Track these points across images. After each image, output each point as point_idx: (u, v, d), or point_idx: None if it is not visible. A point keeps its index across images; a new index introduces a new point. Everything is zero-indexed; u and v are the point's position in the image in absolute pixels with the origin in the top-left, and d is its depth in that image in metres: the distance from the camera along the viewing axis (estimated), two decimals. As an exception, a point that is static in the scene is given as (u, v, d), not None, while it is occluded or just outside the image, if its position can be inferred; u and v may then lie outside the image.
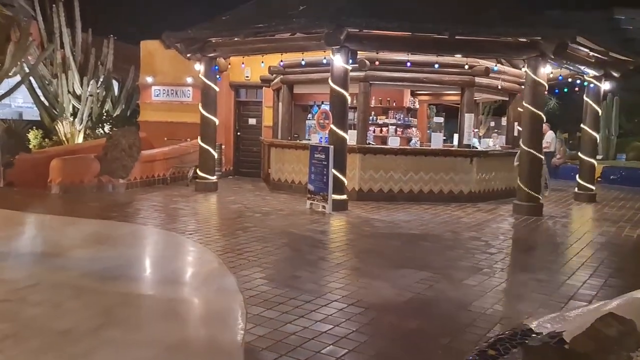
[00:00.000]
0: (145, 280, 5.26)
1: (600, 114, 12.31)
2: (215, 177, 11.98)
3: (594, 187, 12.31)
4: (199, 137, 11.84)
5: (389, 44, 9.68)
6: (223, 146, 14.13)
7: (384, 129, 13.48)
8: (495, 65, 11.22)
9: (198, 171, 11.87)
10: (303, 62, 11.13)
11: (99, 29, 16.48)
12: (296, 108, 13.51)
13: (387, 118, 13.63)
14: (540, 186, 9.96)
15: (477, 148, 11.80)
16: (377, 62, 10.48)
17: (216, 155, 12.14)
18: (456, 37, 9.25)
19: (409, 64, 10.38)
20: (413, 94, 14.80)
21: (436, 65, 10.37)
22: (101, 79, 16.10)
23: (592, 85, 12.05)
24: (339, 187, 9.50)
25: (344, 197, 9.65)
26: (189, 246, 6.67)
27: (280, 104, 13.50)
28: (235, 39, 10.93)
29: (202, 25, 11.23)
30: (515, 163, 10.41)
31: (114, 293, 4.55)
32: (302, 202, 10.10)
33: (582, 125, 12.43)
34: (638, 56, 11.63)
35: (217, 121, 11.83)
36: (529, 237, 7.87)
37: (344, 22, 9.07)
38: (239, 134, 15.36)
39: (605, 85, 12.23)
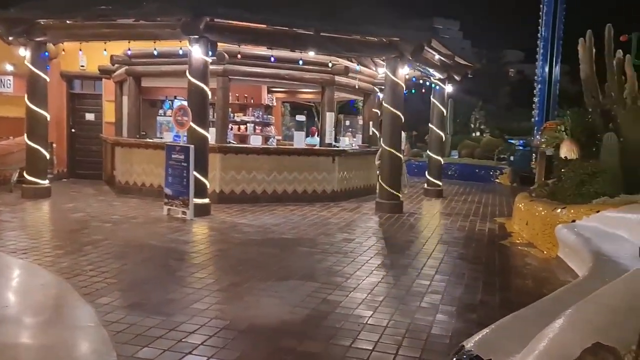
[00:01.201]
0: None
1: (445, 114, 13.15)
2: (47, 181, 10.27)
3: (441, 183, 13.14)
4: (25, 135, 10.04)
5: (252, 37, 9.11)
6: (54, 145, 12.24)
7: (242, 126, 12.87)
8: (357, 65, 11.31)
9: (25, 174, 10.07)
10: (155, 52, 10.03)
11: None
12: (144, 103, 12.25)
13: (245, 115, 13.04)
14: (401, 184, 10.24)
15: (338, 147, 11.81)
16: (239, 56, 9.84)
17: (47, 156, 10.42)
18: (321, 34, 9.04)
19: (273, 59, 9.93)
20: (270, 91, 14.41)
21: (300, 62, 10.08)
22: None
23: (437, 87, 12.83)
24: (200, 190, 8.69)
25: (207, 200, 8.88)
26: (23, 269, 5.41)
27: (125, 97, 12.12)
28: (72, 21, 9.44)
29: (29, 4, 9.50)
30: (377, 162, 10.58)
31: None
32: (157, 208, 9.08)
33: (429, 125, 13.19)
34: (477, 61, 12.65)
35: (48, 116, 10.13)
36: (398, 237, 7.93)
37: (203, 11, 8.29)
38: (73, 130, 13.51)
39: (448, 88, 13.12)
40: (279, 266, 5.81)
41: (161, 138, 11.52)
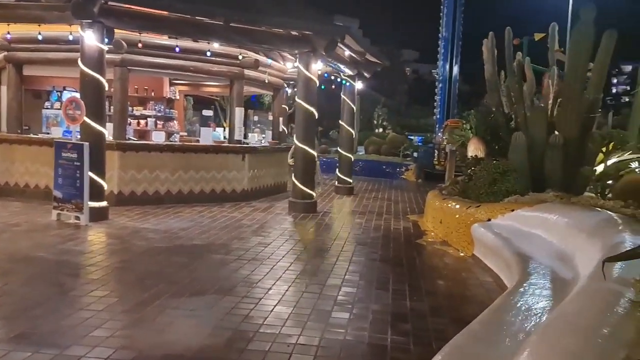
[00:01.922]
0: None
1: (355, 110, 13.09)
2: None
3: (352, 181, 13.08)
4: None
5: (154, 24, 8.33)
6: None
7: (143, 121, 11.91)
8: (269, 58, 10.85)
9: None
10: (40, 37, 8.87)
11: None
12: (27, 94, 10.91)
13: (145, 109, 12.07)
14: (315, 183, 9.98)
15: (248, 143, 11.30)
16: (140, 45, 8.98)
17: None
18: (231, 25, 8.49)
19: (177, 49, 9.19)
20: (172, 84, 13.50)
21: (208, 53, 9.43)
22: None
23: (348, 83, 12.73)
24: (97, 192, 7.83)
25: (104, 203, 8.01)
26: None
27: (3, 87, 10.69)
28: None
29: None
30: (290, 160, 10.23)
31: None
32: (45, 212, 8.06)
33: (340, 122, 13.07)
34: (387, 59, 12.72)
35: None
36: (316, 239, 7.65)
37: (98, -9, 7.41)
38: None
39: (358, 85, 13.08)
40: (191, 278, 5.26)
41: (48, 133, 10.30)
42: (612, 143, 6.75)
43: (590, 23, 7.16)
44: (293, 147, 10.17)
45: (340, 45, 10.07)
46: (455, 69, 20.23)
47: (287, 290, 4.99)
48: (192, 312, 4.26)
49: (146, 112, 12.02)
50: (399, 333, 3.98)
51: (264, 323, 4.08)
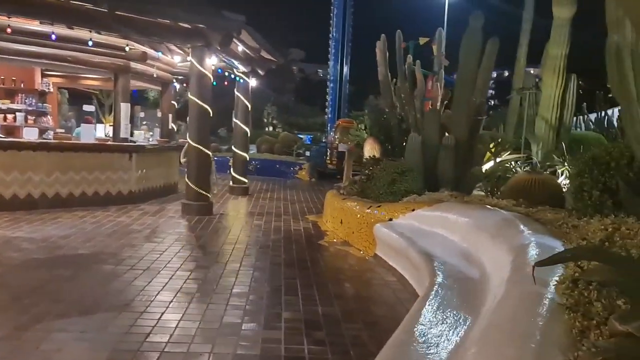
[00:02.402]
0: None
1: (249, 108, 12.77)
2: None
3: (247, 180, 12.77)
4: None
5: (26, 8, 7.38)
6: None
7: (10, 116, 10.61)
8: (159, 51, 10.18)
9: None
10: None
11: None
12: None
13: (13, 103, 10.76)
14: (210, 183, 9.55)
15: (134, 142, 10.53)
16: (8, 30, 7.92)
17: None
18: (117, 13, 7.80)
19: (54, 36, 8.25)
20: (44, 75, 12.20)
21: (90, 43, 8.59)
22: None
23: (242, 80, 12.39)
24: (-44, 197, 6.77)
25: (-35, 211, 6.96)
26: None
27: None
28: None
29: None
30: (182, 159, 9.69)
31: None
32: None
33: (234, 119, 12.69)
34: (281, 56, 12.57)
35: None
36: (214, 244, 7.27)
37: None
38: None
39: (252, 82, 12.78)
40: (78, 294, 4.68)
41: None
42: (500, 144, 7.20)
43: (479, 30, 7.57)
44: (186, 145, 9.64)
45: (235, 40, 9.73)
46: (346, 69, 20.67)
47: (190, 302, 4.62)
48: (83, 335, 3.76)
49: (14, 106, 10.74)
50: (314, 342, 3.83)
51: (170, 341, 3.71)
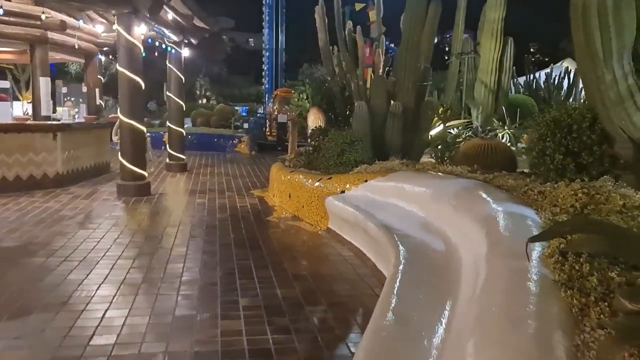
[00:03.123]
0: None
1: (184, 80, 12.06)
2: None
3: (184, 157, 12.16)
4: None
5: None
6: None
7: None
8: (80, 19, 9.27)
9: None
10: None
11: None
12: None
13: None
14: (146, 162, 8.95)
15: (59, 120, 9.67)
16: None
17: None
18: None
19: (-45, 3, 7.27)
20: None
21: (1, 11, 7.65)
22: None
23: (173, 51, 11.65)
24: None
25: None
26: None
27: None
28: None
29: None
30: (115, 137, 9.01)
31: None
32: None
33: (167, 93, 11.97)
34: (215, 24, 11.89)
35: None
36: (156, 227, 6.79)
37: None
38: None
39: (185, 52, 12.05)
40: (7, 294, 4.16)
41: None
42: (449, 110, 7.09)
43: (423, -8, 7.36)
44: (118, 122, 8.95)
45: (165, 7, 9.02)
46: (281, 38, 20.07)
47: (136, 295, 4.21)
48: (18, 341, 3.31)
49: None
50: (278, 330, 3.56)
51: (117, 342, 3.33)
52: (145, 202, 8.20)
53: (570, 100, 26.55)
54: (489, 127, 10.37)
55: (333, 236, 6.22)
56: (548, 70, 28.20)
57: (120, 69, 8.39)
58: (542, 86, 24.87)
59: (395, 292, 2.97)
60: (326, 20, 11.01)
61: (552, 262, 2.31)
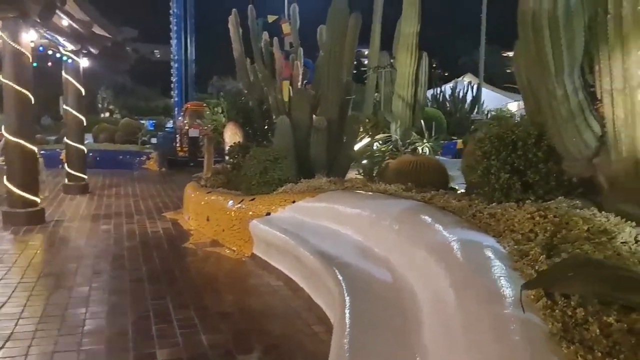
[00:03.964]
0: None
1: (83, 93, 10.95)
2: None
3: (86, 177, 11.03)
4: None
5: None
6: None
7: None
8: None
9: None
10: None
11: None
12: None
13: None
14: (39, 185, 7.89)
15: None
16: None
17: None
18: None
19: None
20: None
21: None
22: None
23: (70, 60, 10.55)
24: None
25: None
26: None
27: None
28: None
29: None
30: None
31: None
32: None
33: (64, 106, 10.83)
34: (118, 33, 10.95)
35: None
36: (55, 262, 5.88)
37: None
38: None
39: (84, 62, 10.98)
40: None
41: None
42: (377, 124, 6.82)
43: (345, 3, 7.09)
44: (2, 140, 7.83)
45: (59, 12, 8.07)
46: (191, 49, 19.18)
47: (26, 355, 3.44)
48: None
49: None
50: (208, 390, 3.00)
51: None
52: (38, 231, 7.17)
53: (475, 112, 27.82)
54: (408, 141, 10.35)
55: (259, 263, 5.69)
56: (452, 84, 29.46)
57: (4, 80, 7.33)
58: (449, 99, 25.82)
59: (348, 344, 2.52)
60: (240, 30, 10.51)
61: (541, 306, 1.98)
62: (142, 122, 22.45)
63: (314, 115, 7.82)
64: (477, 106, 26.72)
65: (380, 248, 3.99)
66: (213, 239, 6.79)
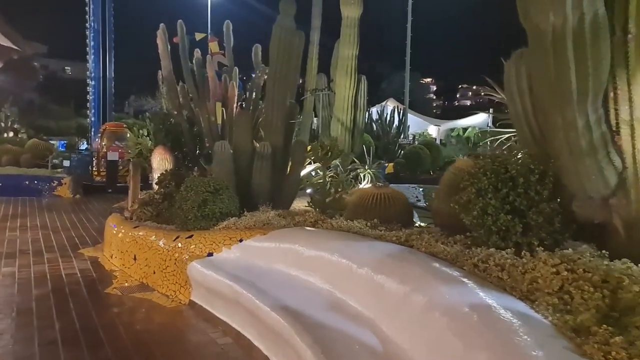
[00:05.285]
0: None
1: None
2: None
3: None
4: None
5: None
6: None
7: None
8: None
9: None
10: None
11: None
12: None
13: None
14: None
15: None
16: None
17: None
18: None
19: None
20: None
21: None
22: None
23: (-32, 74, 9.19)
24: None
25: None
26: None
27: None
28: None
29: None
30: None
31: None
32: None
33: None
34: (28, 46, 9.72)
35: None
36: None
37: None
38: None
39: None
40: None
41: None
42: (331, 149, 6.23)
43: (292, 19, 6.53)
44: None
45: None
46: (110, 67, 17.83)
47: None
48: None
49: None
50: None
51: None
52: None
53: (402, 137, 28.19)
54: (349, 167, 9.90)
55: (200, 313, 4.87)
56: (377, 108, 29.84)
57: None
58: (376, 123, 25.98)
59: None
60: (169, 47, 9.68)
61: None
62: (52, 142, 20.57)
63: (254, 142, 7.17)
64: (404, 130, 27.18)
65: (357, 302, 3.37)
66: (141, 282, 5.86)
